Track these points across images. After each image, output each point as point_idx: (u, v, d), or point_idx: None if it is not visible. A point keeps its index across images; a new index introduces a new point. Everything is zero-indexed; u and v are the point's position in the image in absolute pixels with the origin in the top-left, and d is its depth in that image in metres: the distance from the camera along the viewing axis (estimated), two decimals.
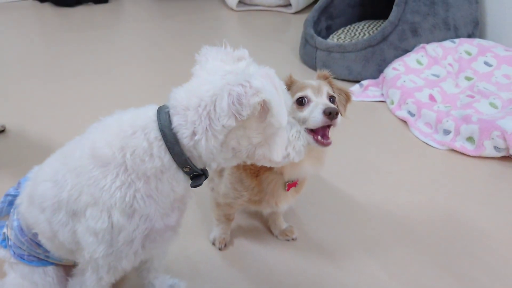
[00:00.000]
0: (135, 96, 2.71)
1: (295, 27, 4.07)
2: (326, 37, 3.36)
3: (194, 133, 0.93)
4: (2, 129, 2.34)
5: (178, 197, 1.05)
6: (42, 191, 1.07)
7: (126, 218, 0.98)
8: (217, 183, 1.57)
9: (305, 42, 3.18)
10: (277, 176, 1.38)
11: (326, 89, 1.29)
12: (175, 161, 0.96)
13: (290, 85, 1.32)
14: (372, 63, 2.87)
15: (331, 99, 1.29)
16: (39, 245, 1.18)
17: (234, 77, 0.91)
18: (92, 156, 0.98)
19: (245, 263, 1.57)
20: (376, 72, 2.88)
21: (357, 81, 2.89)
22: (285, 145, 1.03)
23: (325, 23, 3.40)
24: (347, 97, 1.42)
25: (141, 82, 2.93)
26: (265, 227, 1.73)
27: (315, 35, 3.08)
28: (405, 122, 2.48)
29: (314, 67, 3.11)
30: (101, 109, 2.28)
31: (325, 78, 1.40)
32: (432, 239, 1.69)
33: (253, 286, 1.48)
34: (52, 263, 1.25)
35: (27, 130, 2.36)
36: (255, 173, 1.40)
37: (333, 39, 3.32)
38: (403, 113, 2.50)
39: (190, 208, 1.78)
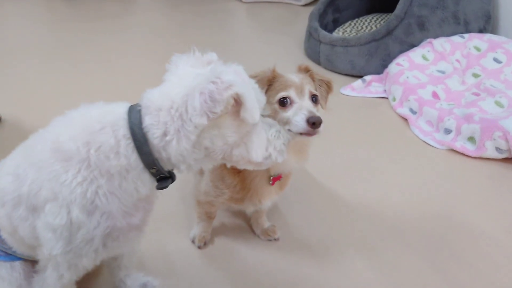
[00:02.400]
0: (137, 87, 2.67)
1: (303, 20, 3.96)
2: (332, 30, 3.27)
3: (165, 134, 0.92)
4: None
5: (143, 197, 1.03)
6: (2, 185, 1.05)
7: (86, 215, 0.96)
8: (198, 181, 1.54)
9: (309, 35, 3.11)
10: (260, 171, 1.34)
11: (308, 88, 1.25)
12: (142, 161, 0.95)
13: (273, 79, 1.27)
14: (376, 58, 2.78)
15: (314, 98, 1.26)
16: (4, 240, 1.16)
17: (204, 77, 0.91)
18: (54, 150, 0.96)
19: (223, 262, 1.53)
20: (380, 67, 2.79)
21: (360, 76, 2.81)
22: (264, 145, 1.02)
23: (331, 16, 3.31)
24: (328, 87, 1.37)
25: (143, 74, 2.90)
26: (249, 225, 1.69)
27: (319, 28, 3.00)
28: (405, 120, 2.39)
29: (317, 61, 3.03)
30: (101, 100, 2.26)
31: (306, 71, 1.34)
32: (423, 241, 1.62)
33: (228, 286, 1.44)
34: (20, 258, 1.23)
35: (23, 121, 2.36)
36: (237, 170, 1.35)
37: (339, 33, 3.23)
38: (404, 111, 2.42)
39: (173, 204, 1.75)
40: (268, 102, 1.25)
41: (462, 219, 1.73)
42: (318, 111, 1.32)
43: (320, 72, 2.58)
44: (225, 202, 1.45)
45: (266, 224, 1.65)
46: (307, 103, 1.22)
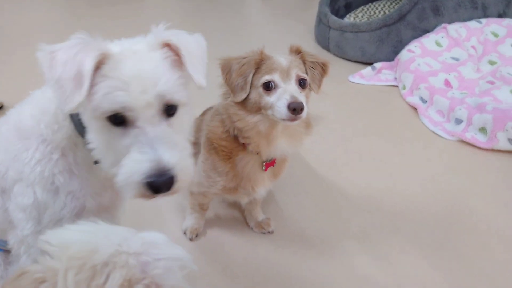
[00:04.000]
0: None
1: (316, 6, 3.87)
2: (344, 16, 3.17)
3: None
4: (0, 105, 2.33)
5: (104, 174, 0.96)
6: None
7: (50, 195, 0.94)
8: None
9: (319, 21, 3.01)
10: (252, 156, 1.30)
11: (295, 71, 1.20)
12: (77, 131, 0.91)
13: (260, 62, 1.22)
14: (387, 44, 2.68)
15: (301, 82, 1.20)
16: None
17: None
18: (16, 129, 0.95)
19: (214, 255, 1.49)
20: (392, 54, 2.68)
21: (370, 63, 2.71)
22: (115, 157, 0.84)
23: (343, 1, 3.20)
24: (323, 70, 1.30)
25: None
26: (243, 217, 1.64)
27: (329, 13, 2.90)
28: (415, 109, 2.29)
29: (327, 48, 2.94)
30: None
31: (298, 52, 1.27)
32: (426, 236, 1.55)
33: (217, 279, 1.40)
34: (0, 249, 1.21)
35: None
36: (227, 156, 1.31)
37: (350, 18, 3.12)
38: (414, 99, 2.31)
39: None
40: (253, 85, 1.20)
41: (469, 214, 1.65)
42: (309, 95, 1.26)
43: (329, 58, 2.50)
44: (219, 193, 1.41)
45: (261, 216, 1.59)
46: (292, 87, 1.17)
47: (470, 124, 2.03)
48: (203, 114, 1.56)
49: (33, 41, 3.12)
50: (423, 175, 1.85)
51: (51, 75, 0.77)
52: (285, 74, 1.18)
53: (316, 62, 1.29)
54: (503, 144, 1.91)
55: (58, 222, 0.96)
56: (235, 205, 1.68)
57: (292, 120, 1.14)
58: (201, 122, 1.50)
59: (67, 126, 0.90)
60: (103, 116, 0.80)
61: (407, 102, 2.35)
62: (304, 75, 1.22)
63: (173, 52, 0.87)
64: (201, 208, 1.53)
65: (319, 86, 1.30)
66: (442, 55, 2.48)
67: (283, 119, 1.15)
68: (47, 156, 0.92)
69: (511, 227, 1.59)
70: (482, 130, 1.98)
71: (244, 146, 1.29)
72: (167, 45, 0.87)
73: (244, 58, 1.23)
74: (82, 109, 0.84)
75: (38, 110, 0.93)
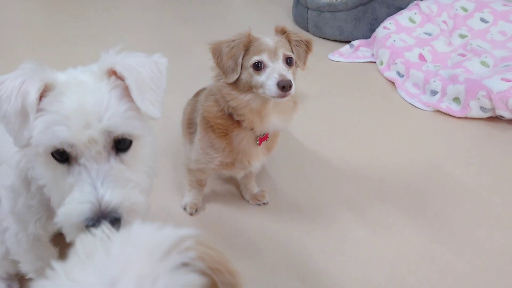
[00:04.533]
0: None
1: None
2: None
3: None
4: None
5: None
6: None
7: (23, 185, 0.94)
8: (189, 150, 1.58)
9: (297, 2, 3.09)
10: (247, 132, 1.39)
11: (282, 51, 1.28)
12: None
13: (248, 44, 1.30)
14: (364, 22, 2.78)
15: (288, 60, 1.30)
16: None
17: None
18: None
19: (214, 227, 1.58)
20: (368, 32, 2.79)
21: (348, 42, 2.81)
22: (62, 194, 0.79)
23: None
24: (308, 47, 1.39)
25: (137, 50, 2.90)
26: (238, 191, 1.74)
27: None
28: (393, 83, 2.41)
29: (306, 28, 3.03)
30: None
31: (283, 32, 1.36)
32: (409, 200, 1.67)
33: (220, 249, 1.49)
34: None
35: None
36: (224, 133, 1.40)
37: None
38: (391, 74, 2.43)
39: (164, 173, 1.79)
40: (244, 66, 1.29)
41: (447, 178, 1.78)
42: (296, 72, 1.36)
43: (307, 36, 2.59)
44: (216, 168, 1.50)
45: (256, 189, 1.69)
46: (280, 66, 1.26)
47: (445, 95, 2.16)
48: (197, 95, 1.64)
49: (13, 33, 3.12)
50: (403, 144, 1.98)
51: None
52: (273, 54, 1.27)
53: (301, 40, 1.38)
54: (475, 112, 2.05)
55: (29, 209, 0.97)
56: (231, 181, 1.78)
57: (282, 97, 1.24)
58: (195, 103, 1.58)
59: None
60: (47, 152, 0.76)
61: (384, 77, 2.47)
62: (290, 54, 1.31)
63: (123, 80, 0.81)
64: (199, 184, 1.61)
65: (304, 62, 1.39)
66: (415, 31, 2.60)
67: (274, 96, 1.24)
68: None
69: (484, 187, 1.73)
70: (456, 99, 2.11)
71: (238, 123, 1.38)
72: (114, 73, 0.81)
73: (233, 41, 1.31)
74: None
75: None
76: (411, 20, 2.64)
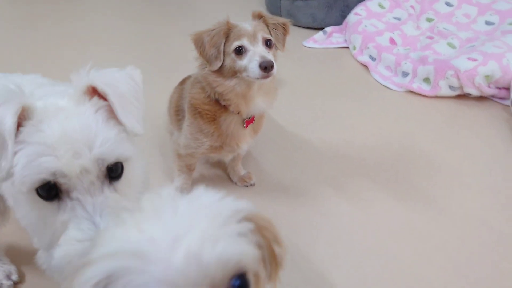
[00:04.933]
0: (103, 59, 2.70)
1: None
2: None
3: None
4: None
5: None
6: None
7: None
8: (177, 136, 1.64)
9: None
10: (234, 116, 1.46)
11: (261, 34, 1.36)
12: None
13: (228, 31, 1.37)
14: (335, 9, 2.88)
15: (268, 42, 1.37)
16: None
17: None
18: None
19: None
20: (340, 19, 2.89)
21: (321, 28, 2.91)
22: (53, 236, 0.71)
23: None
24: (285, 29, 1.47)
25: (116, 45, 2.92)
26: (226, 175, 1.81)
27: None
28: (366, 66, 2.52)
29: (279, 16, 3.09)
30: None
31: (260, 17, 1.43)
32: (387, 175, 1.78)
33: None
34: None
35: None
36: (212, 118, 1.46)
37: None
38: (364, 58, 2.54)
39: (154, 159, 1.84)
40: (226, 53, 1.35)
41: (421, 153, 1.89)
42: (276, 54, 1.43)
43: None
44: (206, 152, 1.56)
45: (242, 171, 1.76)
46: (260, 49, 1.34)
47: (416, 76, 2.27)
48: (182, 83, 1.70)
49: None
50: (379, 124, 2.08)
51: None
52: (252, 38, 1.35)
53: (277, 23, 1.46)
54: (445, 91, 2.18)
55: None
56: (219, 165, 1.84)
57: (265, 77, 1.31)
58: (181, 91, 1.64)
59: None
60: (32, 189, 0.67)
61: (358, 61, 2.57)
62: (268, 36, 1.38)
63: (104, 100, 0.74)
64: (189, 169, 1.67)
65: (283, 44, 1.47)
66: (385, 16, 2.71)
67: (257, 78, 1.31)
68: None
69: (455, 160, 1.85)
70: (426, 80, 2.23)
71: (225, 108, 1.45)
72: (94, 92, 0.75)
73: (213, 30, 1.38)
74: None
75: None
76: (381, 6, 2.75)
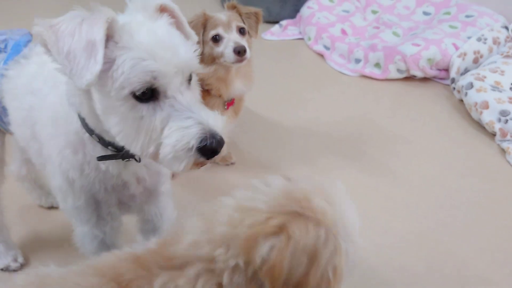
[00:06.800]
0: None
1: None
2: None
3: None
4: None
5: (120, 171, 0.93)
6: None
7: (68, 185, 0.95)
8: None
9: None
10: (216, 99, 1.60)
11: (235, 23, 1.52)
12: (84, 128, 0.87)
13: (205, 22, 1.52)
14: (289, 3, 3.09)
15: (241, 30, 1.54)
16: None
17: None
18: (51, 112, 0.93)
19: (193, 187, 1.79)
20: (293, 12, 3.11)
21: (277, 22, 3.11)
22: (148, 135, 0.77)
23: None
24: (257, 18, 1.63)
25: None
26: None
27: None
28: (321, 55, 2.75)
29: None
30: None
31: (233, 7, 1.60)
32: (349, 148, 2.00)
33: (199, 204, 1.71)
34: None
35: None
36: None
37: None
38: (319, 47, 2.76)
39: None
40: (205, 41, 1.51)
41: (378, 128, 2.13)
42: (250, 41, 1.59)
43: None
44: None
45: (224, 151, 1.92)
46: (234, 36, 1.50)
47: (367, 62, 2.52)
48: None
49: None
50: (338, 105, 2.31)
51: (59, 48, 0.70)
52: (227, 26, 1.51)
53: (250, 12, 1.62)
54: (394, 74, 2.44)
55: (76, 209, 0.98)
56: None
57: (240, 61, 1.48)
58: None
59: (75, 122, 0.87)
60: (131, 92, 0.74)
61: (314, 51, 2.80)
62: (242, 25, 1.55)
63: (172, 17, 0.86)
64: None
65: (256, 31, 1.64)
66: (335, 9, 2.95)
67: (233, 62, 1.48)
68: (62, 150, 0.91)
69: (407, 132, 2.10)
70: (377, 65, 2.49)
71: (208, 92, 1.59)
72: (163, 10, 0.84)
73: (191, 22, 1.52)
74: (97, 95, 0.78)
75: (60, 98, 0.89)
76: (331, 0, 2.99)
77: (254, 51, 2.55)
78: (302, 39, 2.95)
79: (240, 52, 1.45)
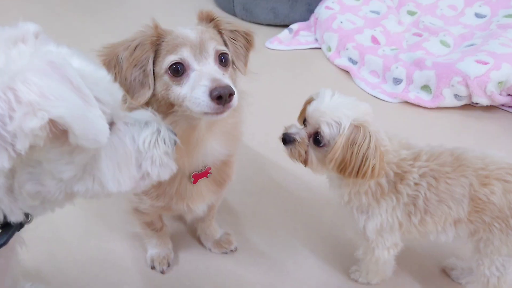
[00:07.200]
0: None
1: None
2: None
3: None
4: None
5: None
6: None
7: None
8: None
9: None
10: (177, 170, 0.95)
11: (212, 45, 0.87)
12: None
13: (158, 40, 0.87)
14: (301, 2, 2.46)
15: (222, 58, 0.89)
16: None
17: None
18: None
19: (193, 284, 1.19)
20: (306, 13, 2.49)
21: (285, 26, 2.46)
22: (133, 163, 0.73)
23: None
24: (248, 42, 0.98)
25: None
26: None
27: None
28: (347, 72, 2.10)
29: (232, 12, 2.62)
30: None
31: (210, 20, 0.94)
32: None
33: None
34: None
35: None
36: None
37: None
38: (343, 61, 2.13)
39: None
40: (157, 75, 0.87)
41: None
42: (235, 76, 0.96)
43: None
44: (153, 210, 1.09)
45: (218, 233, 1.28)
46: (210, 67, 0.85)
47: (411, 83, 1.89)
48: None
49: None
50: None
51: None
52: (198, 50, 0.85)
53: (237, 31, 0.96)
54: (449, 101, 1.81)
55: None
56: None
57: (220, 113, 0.82)
58: None
59: None
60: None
61: (336, 65, 2.15)
62: (223, 49, 0.89)
63: None
64: (153, 229, 1.19)
65: (245, 63, 0.98)
66: (361, 10, 2.33)
67: (206, 113, 0.82)
68: None
69: None
70: (425, 88, 1.86)
71: None
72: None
73: (133, 40, 0.87)
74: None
75: None
76: None
77: (254, 66, 1.87)
78: (319, 48, 2.30)
79: (222, 97, 0.79)
